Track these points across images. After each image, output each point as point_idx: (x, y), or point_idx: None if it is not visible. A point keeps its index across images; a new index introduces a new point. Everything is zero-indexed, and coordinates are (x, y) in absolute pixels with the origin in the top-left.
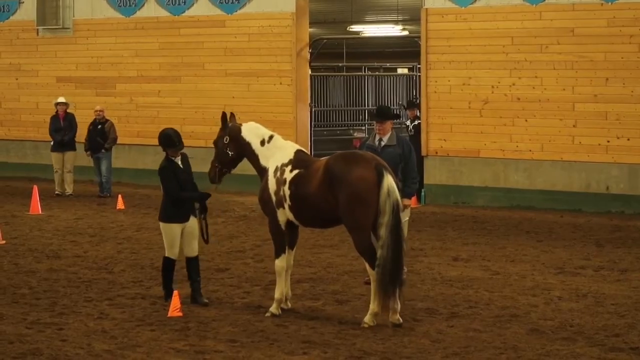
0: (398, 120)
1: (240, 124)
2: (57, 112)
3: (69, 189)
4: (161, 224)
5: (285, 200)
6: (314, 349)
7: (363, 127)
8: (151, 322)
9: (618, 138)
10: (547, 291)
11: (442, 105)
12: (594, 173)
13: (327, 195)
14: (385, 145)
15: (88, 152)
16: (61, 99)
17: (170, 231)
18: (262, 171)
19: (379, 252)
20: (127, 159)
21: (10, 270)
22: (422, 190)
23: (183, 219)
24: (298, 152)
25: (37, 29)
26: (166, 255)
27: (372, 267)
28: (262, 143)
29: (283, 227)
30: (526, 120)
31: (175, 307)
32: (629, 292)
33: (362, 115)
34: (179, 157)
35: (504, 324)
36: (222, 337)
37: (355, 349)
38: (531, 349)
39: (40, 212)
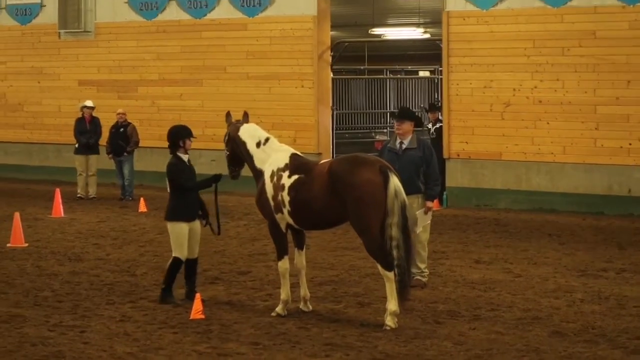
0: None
1: (241, 124)
2: (83, 115)
3: (92, 192)
4: (169, 224)
5: (285, 205)
6: (336, 352)
7: (385, 130)
8: (173, 324)
9: None
10: (569, 294)
11: (464, 108)
12: (616, 176)
13: (332, 200)
14: (406, 149)
15: (110, 155)
16: (89, 103)
17: (179, 230)
18: (257, 173)
19: (395, 253)
20: (149, 162)
21: (33, 272)
22: (444, 193)
23: (190, 217)
24: (294, 157)
25: (59, 33)
26: (175, 255)
27: (385, 268)
28: (258, 145)
29: (283, 229)
30: (548, 123)
31: (197, 309)
32: None
33: (383, 118)
34: (187, 156)
35: (526, 326)
36: (244, 339)
37: (377, 351)
38: (553, 351)
39: (62, 215)
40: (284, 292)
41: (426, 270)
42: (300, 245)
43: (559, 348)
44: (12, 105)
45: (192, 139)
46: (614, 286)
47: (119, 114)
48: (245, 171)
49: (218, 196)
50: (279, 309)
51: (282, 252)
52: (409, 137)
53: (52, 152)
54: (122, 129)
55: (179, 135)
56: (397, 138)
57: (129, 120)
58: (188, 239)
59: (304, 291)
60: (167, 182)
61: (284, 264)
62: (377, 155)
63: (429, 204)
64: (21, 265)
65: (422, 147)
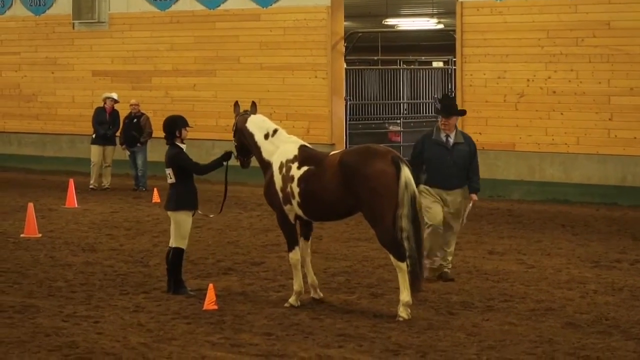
0: (433, 115)
1: (249, 115)
2: (104, 105)
3: (106, 183)
4: (174, 214)
5: (294, 197)
6: (349, 342)
7: (398, 121)
8: (187, 315)
9: None
10: (582, 285)
11: (478, 98)
12: (630, 166)
13: (344, 192)
14: (455, 143)
15: (124, 146)
16: (114, 95)
17: (184, 220)
18: (265, 164)
19: (406, 244)
20: (163, 152)
21: (47, 263)
22: None
23: (194, 206)
24: (302, 148)
25: (73, 23)
26: (176, 245)
27: (397, 259)
28: (266, 137)
29: (292, 220)
30: (562, 114)
31: (210, 300)
32: None
33: (397, 108)
34: (185, 145)
35: (540, 317)
36: (257, 330)
37: (390, 342)
38: (567, 342)
39: (76, 205)
40: (297, 283)
41: (451, 262)
42: (306, 235)
43: (573, 339)
44: (26, 96)
45: (187, 128)
46: (627, 277)
47: (132, 104)
48: (257, 162)
49: (228, 175)
50: (292, 299)
51: (292, 243)
52: (455, 131)
53: (66, 143)
54: (135, 120)
55: (175, 125)
56: (442, 131)
57: (143, 111)
58: None
59: (311, 278)
60: (170, 172)
61: (295, 255)
62: (416, 147)
63: (474, 196)
64: (35, 256)
65: (468, 142)
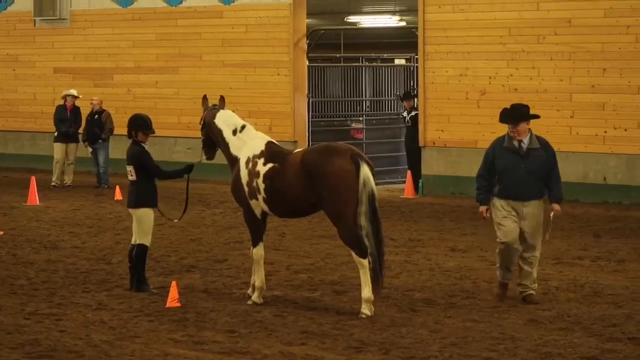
0: (396, 112)
1: (218, 110)
2: (65, 102)
3: (68, 180)
4: (136, 211)
5: (259, 192)
6: (312, 340)
7: (361, 118)
8: (149, 312)
9: (615, 129)
10: (544, 281)
11: (440, 96)
12: (592, 164)
13: (306, 189)
14: (529, 149)
15: (86, 143)
16: (73, 92)
17: (147, 216)
18: (233, 160)
19: (366, 242)
20: (124, 149)
21: (8, 261)
22: (420, 180)
23: (155, 203)
24: (269, 144)
25: (34, 20)
26: (140, 242)
27: (359, 255)
28: (234, 132)
29: (259, 215)
30: None
31: (173, 297)
32: (626, 282)
33: (359, 106)
34: (147, 144)
35: (502, 314)
36: (220, 327)
37: (353, 339)
38: (529, 339)
39: (37, 203)
40: (259, 280)
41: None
42: None
43: (535, 336)
44: None
45: (147, 133)
46: (589, 274)
47: (92, 101)
48: (220, 159)
49: (189, 185)
50: (255, 297)
51: (257, 239)
52: (528, 136)
53: (28, 140)
54: (97, 116)
55: (131, 125)
56: (512, 139)
57: (104, 108)
58: None
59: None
60: (131, 169)
61: (258, 251)
62: (487, 157)
63: (557, 206)
64: None
65: (544, 146)
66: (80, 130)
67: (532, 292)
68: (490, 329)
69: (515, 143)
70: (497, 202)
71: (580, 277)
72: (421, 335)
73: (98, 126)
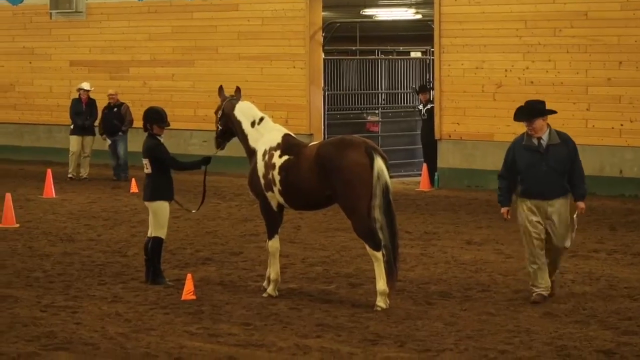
0: (411, 105)
1: (237, 101)
2: (79, 95)
3: (84, 173)
4: (152, 204)
5: (275, 184)
6: (328, 332)
7: (376, 111)
8: (165, 305)
9: (631, 122)
10: (560, 274)
11: (456, 89)
12: (607, 157)
13: (320, 182)
14: (549, 145)
15: (103, 136)
16: (86, 86)
17: (163, 209)
18: (251, 152)
19: (380, 235)
20: (141, 142)
21: (24, 253)
22: (436, 173)
23: (171, 196)
24: (286, 137)
25: (51, 13)
26: (155, 235)
27: (373, 248)
28: (253, 124)
29: (275, 208)
30: None
31: (188, 290)
32: None
33: (375, 99)
34: (163, 136)
35: (518, 307)
36: (235, 320)
37: (368, 332)
38: (544, 332)
39: (54, 195)
40: (274, 272)
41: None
42: None
43: (550, 329)
44: (3, 86)
45: (162, 126)
46: (605, 267)
47: (110, 95)
48: (236, 151)
49: (206, 177)
50: (270, 289)
51: (273, 231)
52: (547, 132)
53: (44, 133)
54: (115, 109)
55: (146, 119)
56: (531, 136)
57: (122, 101)
58: None
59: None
60: (147, 162)
61: (274, 244)
62: (507, 157)
63: (581, 204)
64: (12, 246)
65: (565, 142)
66: (96, 123)
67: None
68: (506, 322)
69: (535, 140)
70: (523, 204)
71: (596, 270)
72: (437, 328)
73: (118, 119)
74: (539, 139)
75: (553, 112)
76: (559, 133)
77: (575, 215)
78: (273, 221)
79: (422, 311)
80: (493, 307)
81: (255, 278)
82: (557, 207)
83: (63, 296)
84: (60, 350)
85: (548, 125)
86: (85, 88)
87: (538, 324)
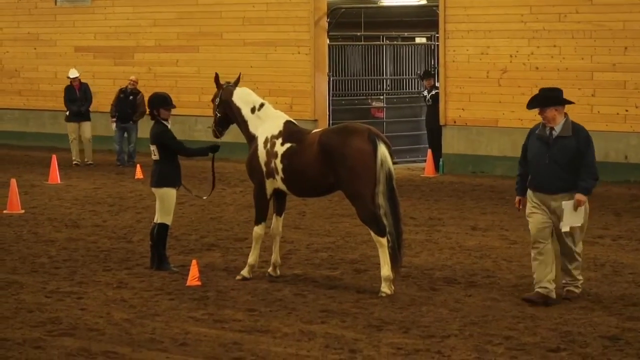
0: (416, 91)
1: (234, 88)
2: (71, 82)
3: (88, 159)
4: (159, 190)
5: (277, 172)
6: (333, 318)
7: (381, 97)
8: (170, 291)
9: (637, 107)
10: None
11: (461, 74)
12: (613, 142)
13: (324, 169)
14: (558, 137)
15: (113, 119)
16: (72, 74)
17: (169, 196)
18: (251, 138)
19: (385, 221)
20: (146, 128)
21: (30, 239)
22: (441, 159)
23: (178, 183)
24: (287, 124)
25: None
26: (161, 221)
27: (377, 234)
28: (253, 110)
29: (268, 195)
30: None
31: (194, 276)
32: None
33: (380, 84)
34: (169, 121)
35: (522, 293)
36: (240, 306)
37: (373, 318)
38: (549, 318)
39: (59, 181)
40: (253, 257)
41: (580, 277)
42: (279, 211)
43: (555, 314)
44: (8, 72)
45: (168, 108)
46: (610, 253)
47: (131, 80)
48: (241, 137)
49: (215, 164)
50: (244, 271)
51: (260, 217)
52: (562, 123)
53: (49, 119)
54: (131, 97)
55: (151, 104)
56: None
57: (139, 89)
58: None
59: (276, 257)
60: (154, 149)
61: (260, 229)
62: (524, 146)
63: (580, 196)
64: (18, 232)
65: (577, 135)
66: (101, 108)
67: (572, 288)
68: (511, 307)
69: (547, 130)
70: (528, 193)
71: (601, 256)
72: (441, 314)
73: (132, 107)
74: (552, 129)
75: (569, 102)
76: (574, 125)
77: (573, 208)
78: (264, 208)
79: (427, 297)
80: (498, 292)
81: (259, 264)
82: (560, 203)
83: (68, 282)
84: (65, 336)
85: (566, 115)
86: (72, 76)
87: (542, 310)
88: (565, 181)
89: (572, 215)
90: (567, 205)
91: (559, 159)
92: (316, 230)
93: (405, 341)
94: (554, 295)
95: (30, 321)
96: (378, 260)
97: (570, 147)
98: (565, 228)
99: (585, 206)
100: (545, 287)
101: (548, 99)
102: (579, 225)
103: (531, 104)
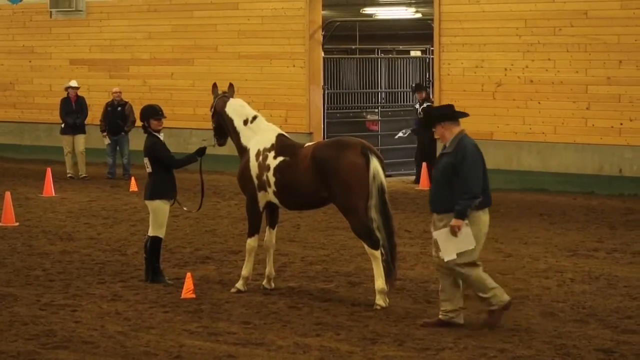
0: (411, 104)
1: (228, 98)
2: (68, 95)
3: (82, 171)
4: (151, 203)
5: (270, 186)
6: (327, 331)
7: (376, 110)
8: (164, 303)
9: (631, 120)
10: (559, 273)
11: (455, 87)
12: (607, 155)
13: (316, 183)
14: (441, 154)
15: (104, 134)
16: (73, 83)
17: (162, 209)
18: (242, 150)
19: (378, 234)
20: (140, 141)
21: (24, 252)
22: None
23: (172, 195)
24: (280, 137)
25: (51, 12)
26: (153, 234)
27: (371, 247)
28: (245, 122)
29: (261, 208)
30: (539, 103)
31: (188, 289)
32: None
33: (375, 97)
34: (161, 133)
35: (517, 306)
36: (235, 318)
37: (368, 330)
38: (544, 331)
39: (53, 194)
40: (247, 269)
41: (457, 307)
42: (272, 224)
43: (550, 328)
44: (3, 85)
45: (158, 119)
46: (604, 266)
47: (115, 92)
48: (234, 150)
49: (202, 170)
50: (239, 284)
51: (253, 230)
52: (449, 140)
53: (44, 132)
54: (119, 108)
55: (142, 115)
56: None
57: (125, 100)
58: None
59: (270, 269)
60: (147, 161)
61: (253, 242)
62: None
63: (453, 221)
64: (12, 245)
65: (457, 150)
66: (93, 121)
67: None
68: (505, 320)
69: (443, 148)
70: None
71: (596, 269)
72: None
73: (121, 118)
74: (444, 147)
75: (461, 115)
76: (461, 140)
77: (452, 233)
78: (256, 221)
79: (422, 310)
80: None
81: (254, 277)
82: (447, 223)
83: (62, 295)
84: (59, 349)
85: (461, 132)
86: (73, 85)
87: (537, 323)
88: (442, 201)
89: (454, 241)
90: (439, 235)
91: (438, 177)
92: (311, 243)
93: (400, 354)
94: (459, 320)
95: (24, 334)
96: (372, 273)
97: (447, 163)
98: (448, 257)
99: (468, 230)
100: (447, 314)
101: (433, 116)
102: (470, 249)
103: (424, 124)
